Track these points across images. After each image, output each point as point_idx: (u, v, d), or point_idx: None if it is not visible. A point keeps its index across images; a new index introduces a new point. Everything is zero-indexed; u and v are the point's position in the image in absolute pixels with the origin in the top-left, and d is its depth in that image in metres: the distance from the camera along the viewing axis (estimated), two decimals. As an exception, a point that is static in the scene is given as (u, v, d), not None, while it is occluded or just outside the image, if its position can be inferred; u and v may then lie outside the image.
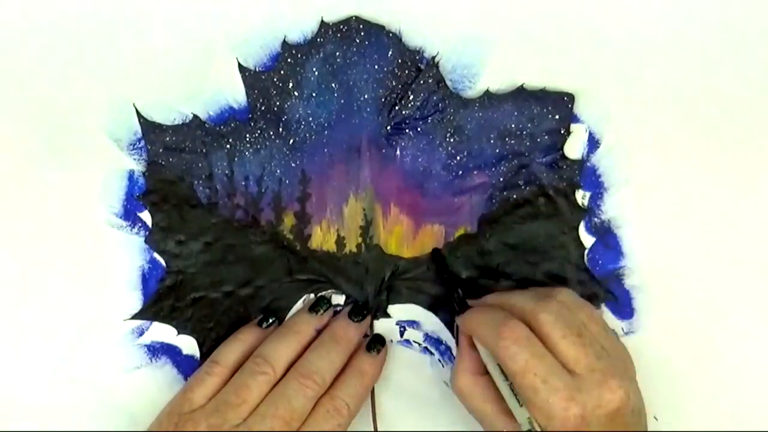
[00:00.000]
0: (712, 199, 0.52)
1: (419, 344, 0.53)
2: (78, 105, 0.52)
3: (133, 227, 0.52)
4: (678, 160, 0.52)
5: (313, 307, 0.51)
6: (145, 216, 0.52)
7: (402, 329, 0.53)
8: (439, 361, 0.54)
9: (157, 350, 0.53)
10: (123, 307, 0.52)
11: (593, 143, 0.52)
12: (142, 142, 0.52)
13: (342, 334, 0.50)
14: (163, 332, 0.52)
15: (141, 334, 0.52)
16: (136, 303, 0.52)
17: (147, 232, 0.52)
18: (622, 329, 0.53)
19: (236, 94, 0.51)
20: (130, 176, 0.52)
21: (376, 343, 0.51)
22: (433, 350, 0.54)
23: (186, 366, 0.53)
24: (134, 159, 0.52)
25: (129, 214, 0.52)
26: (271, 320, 0.51)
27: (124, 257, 0.52)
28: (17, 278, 0.52)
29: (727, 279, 0.52)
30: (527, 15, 0.51)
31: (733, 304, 0.52)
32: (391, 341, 0.53)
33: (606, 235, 0.53)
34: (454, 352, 0.53)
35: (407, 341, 0.53)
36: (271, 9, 0.51)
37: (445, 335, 0.53)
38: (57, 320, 0.52)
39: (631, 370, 0.47)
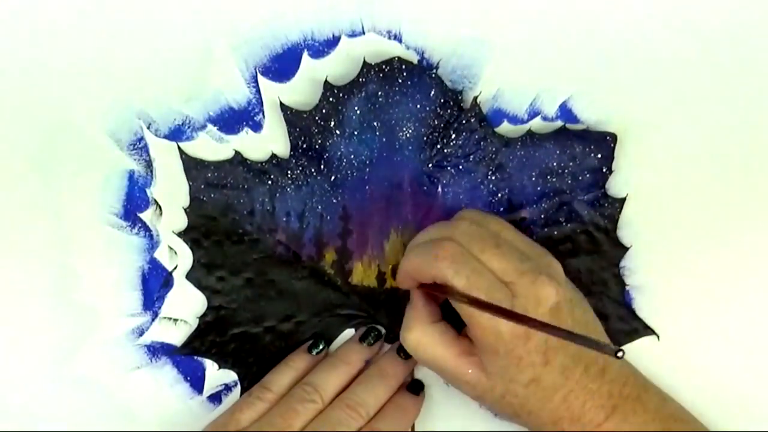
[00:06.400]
0: (712, 199, 0.52)
1: None
2: (78, 105, 0.52)
3: (133, 227, 0.52)
4: (678, 160, 0.52)
5: (364, 338, 0.52)
6: (186, 251, 0.52)
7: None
8: None
9: (157, 350, 0.53)
10: (123, 307, 0.52)
11: None
12: (143, 142, 0.52)
13: (390, 371, 0.50)
14: (163, 332, 0.53)
15: (141, 334, 0.53)
16: (136, 303, 0.52)
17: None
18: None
19: (236, 95, 0.52)
20: (130, 176, 0.52)
21: (417, 386, 0.52)
22: None
23: (186, 366, 0.53)
24: (134, 159, 0.52)
25: (129, 214, 0.52)
26: (321, 346, 0.52)
27: (124, 257, 0.52)
28: (17, 278, 0.52)
29: (728, 279, 0.52)
30: (527, 15, 0.51)
31: (734, 304, 0.52)
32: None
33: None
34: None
35: None
36: (272, 9, 0.51)
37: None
38: (57, 320, 0.52)
39: (553, 265, 0.46)
